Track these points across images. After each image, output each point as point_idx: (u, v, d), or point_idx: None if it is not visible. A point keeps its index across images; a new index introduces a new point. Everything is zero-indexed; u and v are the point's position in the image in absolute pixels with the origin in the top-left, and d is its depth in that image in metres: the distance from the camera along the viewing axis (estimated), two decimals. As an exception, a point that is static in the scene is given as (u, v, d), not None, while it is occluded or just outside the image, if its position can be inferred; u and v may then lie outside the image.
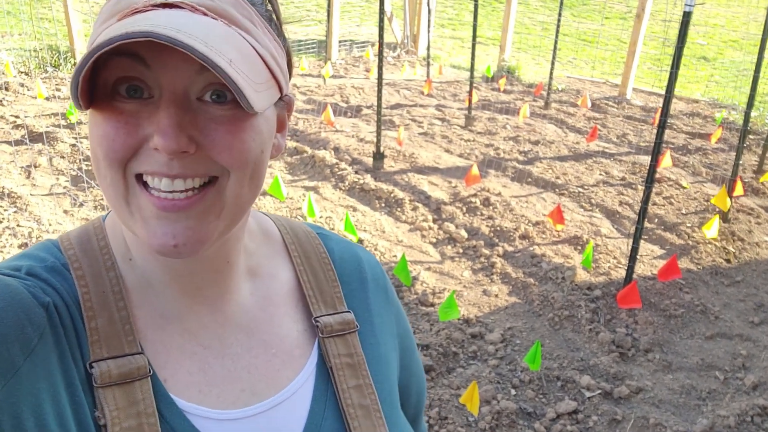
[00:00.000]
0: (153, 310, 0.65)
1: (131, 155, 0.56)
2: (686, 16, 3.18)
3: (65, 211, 4.29)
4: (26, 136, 5.27)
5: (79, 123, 5.68)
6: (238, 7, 0.58)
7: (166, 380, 0.63)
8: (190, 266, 0.65)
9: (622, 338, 3.35)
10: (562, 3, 7.10)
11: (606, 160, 5.83)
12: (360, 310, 0.77)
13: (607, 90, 8.57)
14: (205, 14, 0.56)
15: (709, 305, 3.73)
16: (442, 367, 3.10)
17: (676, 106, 7.89)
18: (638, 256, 3.73)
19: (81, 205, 4.38)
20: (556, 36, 7.21)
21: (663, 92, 7.74)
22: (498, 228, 4.42)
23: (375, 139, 5.31)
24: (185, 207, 0.56)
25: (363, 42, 10.07)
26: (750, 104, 4.65)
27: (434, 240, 4.32)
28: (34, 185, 4.60)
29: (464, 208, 4.70)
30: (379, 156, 5.30)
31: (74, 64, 7.35)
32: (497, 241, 4.29)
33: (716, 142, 6.46)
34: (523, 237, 4.32)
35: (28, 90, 6.54)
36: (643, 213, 3.54)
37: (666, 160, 5.32)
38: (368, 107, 7.00)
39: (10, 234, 3.87)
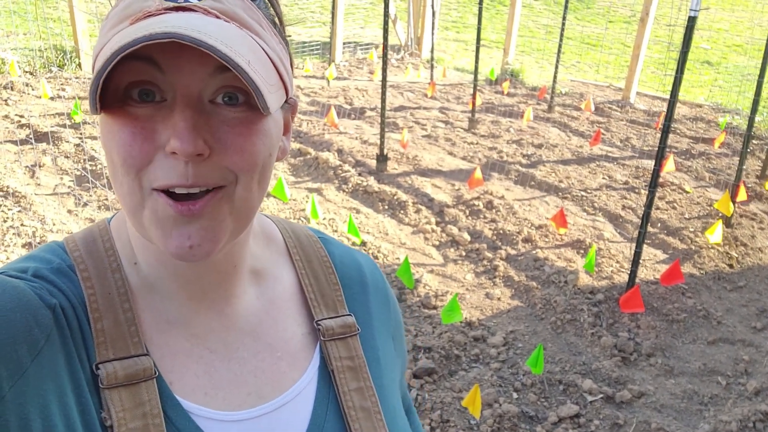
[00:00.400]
0: (158, 315, 0.65)
1: (147, 163, 0.56)
2: (691, 21, 3.18)
3: (69, 211, 4.30)
4: (31, 136, 5.29)
5: (84, 123, 5.70)
6: (247, 10, 0.59)
7: (172, 383, 0.63)
8: (198, 270, 0.66)
9: (624, 342, 3.35)
10: (566, 6, 7.11)
11: (609, 164, 5.83)
12: (360, 314, 0.77)
13: (611, 94, 8.57)
14: (218, 17, 0.57)
15: (712, 310, 3.73)
16: (444, 370, 3.11)
17: (679, 110, 7.89)
18: (641, 261, 3.73)
19: (85, 205, 4.39)
20: (560, 39, 7.21)
21: (666, 96, 7.73)
22: (501, 231, 4.43)
23: (378, 142, 5.32)
24: (198, 211, 0.57)
25: (367, 44, 10.08)
26: (754, 109, 4.65)
27: (437, 243, 4.32)
28: (39, 185, 4.62)
29: (467, 211, 4.71)
30: (382, 158, 5.31)
31: (79, 64, 7.37)
32: (500, 244, 4.30)
33: (719, 147, 6.46)
34: (526, 240, 4.33)
35: (33, 90, 6.56)
36: (646, 217, 3.54)
37: (669, 165, 5.32)
38: (372, 109, 7.01)
39: (14, 233, 3.89)
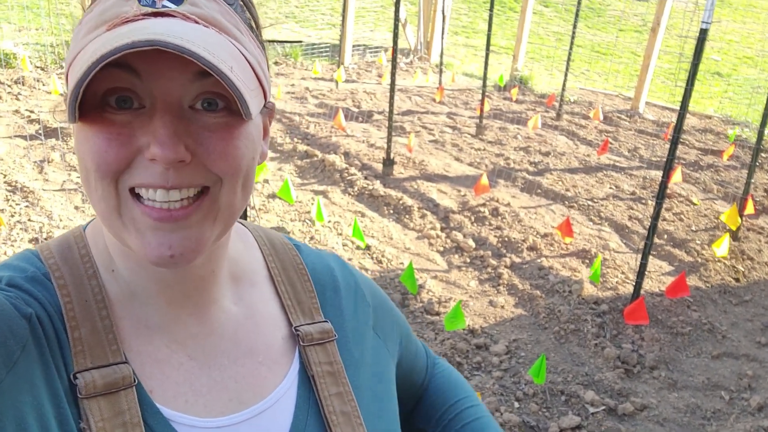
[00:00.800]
0: (137, 321, 0.64)
1: (124, 167, 0.55)
2: (702, 34, 3.17)
3: (76, 207, 4.31)
4: (40, 131, 5.31)
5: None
6: (225, 15, 0.59)
7: (152, 391, 0.62)
8: (179, 276, 0.65)
9: (627, 354, 3.33)
10: (577, 14, 7.10)
11: (616, 174, 5.81)
12: (335, 319, 0.77)
13: (620, 103, 8.55)
14: (197, 22, 0.56)
15: (717, 324, 3.71)
16: (445, 377, 3.10)
17: (688, 121, 7.87)
18: (646, 272, 3.71)
19: (91, 201, 4.41)
20: (570, 47, 7.20)
21: (676, 107, 7.70)
22: (506, 239, 4.41)
23: (385, 145, 5.32)
24: (181, 217, 0.56)
25: (376, 47, 10.09)
26: (764, 122, 4.63)
27: (441, 249, 4.32)
28: (47, 180, 4.63)
29: (472, 218, 4.70)
30: (388, 162, 5.30)
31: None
32: (505, 251, 4.29)
33: (728, 159, 6.43)
34: (531, 249, 4.31)
35: (44, 85, 6.60)
36: (652, 229, 3.53)
37: (677, 176, 5.30)
38: (379, 113, 7.01)
39: (21, 228, 3.90)
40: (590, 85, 9.59)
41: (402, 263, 4.04)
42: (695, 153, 6.70)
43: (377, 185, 5.03)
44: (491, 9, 6.20)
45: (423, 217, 4.64)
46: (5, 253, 3.64)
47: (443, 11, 8.47)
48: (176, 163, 0.54)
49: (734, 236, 4.62)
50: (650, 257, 3.87)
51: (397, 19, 5.05)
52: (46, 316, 0.59)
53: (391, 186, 5.10)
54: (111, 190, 0.56)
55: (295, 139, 5.97)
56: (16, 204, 4.18)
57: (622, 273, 4.12)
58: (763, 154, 6.51)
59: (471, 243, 4.32)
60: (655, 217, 3.51)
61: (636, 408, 3.00)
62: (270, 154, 5.68)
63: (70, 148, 5.15)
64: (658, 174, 5.73)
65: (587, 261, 4.23)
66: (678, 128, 3.36)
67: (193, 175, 0.56)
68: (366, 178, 5.20)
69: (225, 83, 0.51)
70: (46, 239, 3.80)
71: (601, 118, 7.43)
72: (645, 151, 6.54)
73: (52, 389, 0.57)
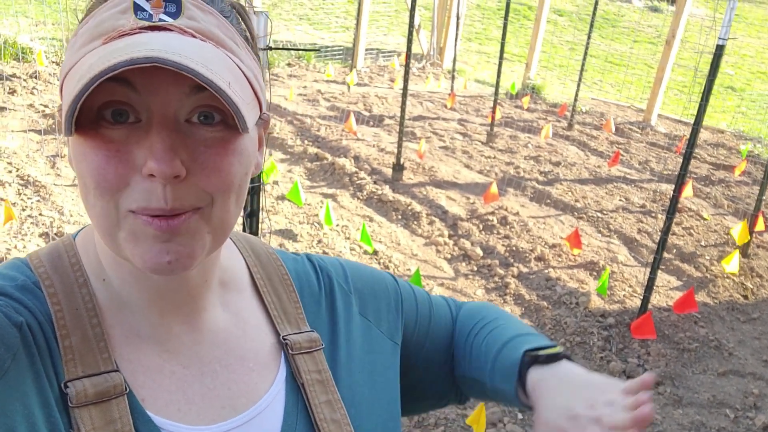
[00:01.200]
0: (129, 330, 0.64)
1: (123, 186, 0.55)
2: (719, 50, 3.16)
3: (86, 203, 4.34)
4: (54, 126, 5.35)
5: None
6: (222, 28, 0.59)
7: (144, 399, 0.62)
8: (171, 285, 0.65)
9: (633, 369, 3.31)
10: (592, 24, 7.09)
11: (627, 186, 5.79)
12: (319, 327, 0.77)
13: (632, 114, 8.53)
14: (194, 36, 0.56)
15: (724, 341, 3.69)
16: (449, 386, 3.09)
17: (701, 135, 7.83)
18: (654, 287, 3.70)
19: (102, 197, 4.43)
20: (584, 57, 7.19)
21: (688, 120, 7.67)
22: (514, 248, 4.41)
23: (396, 150, 5.32)
24: (176, 227, 0.57)
25: (389, 51, 10.11)
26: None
27: (449, 256, 4.31)
28: (59, 175, 4.66)
29: (481, 226, 4.69)
30: (398, 167, 5.31)
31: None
32: (512, 261, 4.28)
33: (740, 175, 6.40)
34: (539, 259, 4.30)
35: (59, 80, 6.64)
36: (662, 243, 3.51)
37: (687, 190, 5.27)
38: (391, 117, 7.02)
39: (32, 223, 3.93)
40: (603, 96, 9.57)
41: (409, 269, 4.04)
42: (707, 167, 6.67)
43: (386, 190, 5.03)
44: (506, 17, 6.20)
45: (431, 223, 4.63)
46: (16, 247, 3.66)
47: (457, 17, 8.48)
48: (172, 179, 0.55)
49: (744, 253, 4.59)
50: (659, 271, 3.85)
51: (411, 24, 5.06)
52: (36, 324, 0.59)
53: (400, 191, 5.11)
54: (110, 207, 0.56)
55: (306, 142, 5.98)
56: (28, 198, 4.22)
57: (630, 286, 4.10)
58: (775, 171, 6.47)
59: (479, 251, 4.31)
60: (665, 231, 3.49)
61: (640, 423, 2.98)
62: (280, 155, 5.70)
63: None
64: (668, 187, 5.71)
65: (595, 273, 4.21)
66: (691, 143, 3.34)
67: (187, 195, 0.56)
68: (375, 182, 5.20)
69: (223, 99, 0.51)
70: (56, 234, 3.82)
71: (613, 129, 7.40)
72: (656, 164, 6.52)
73: (43, 398, 0.56)
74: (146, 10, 0.55)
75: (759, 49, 13.40)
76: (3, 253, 3.56)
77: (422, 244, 4.43)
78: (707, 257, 4.59)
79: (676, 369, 3.42)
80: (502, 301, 3.86)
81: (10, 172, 4.55)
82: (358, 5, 8.39)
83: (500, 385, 0.81)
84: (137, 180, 0.55)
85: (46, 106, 5.83)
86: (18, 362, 0.56)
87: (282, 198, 4.77)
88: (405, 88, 5.12)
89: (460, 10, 8.72)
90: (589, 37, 7.11)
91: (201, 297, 0.68)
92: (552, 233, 4.70)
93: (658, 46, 12.06)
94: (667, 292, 4.11)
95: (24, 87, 6.22)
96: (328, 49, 9.73)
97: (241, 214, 2.55)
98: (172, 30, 0.55)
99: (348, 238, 4.32)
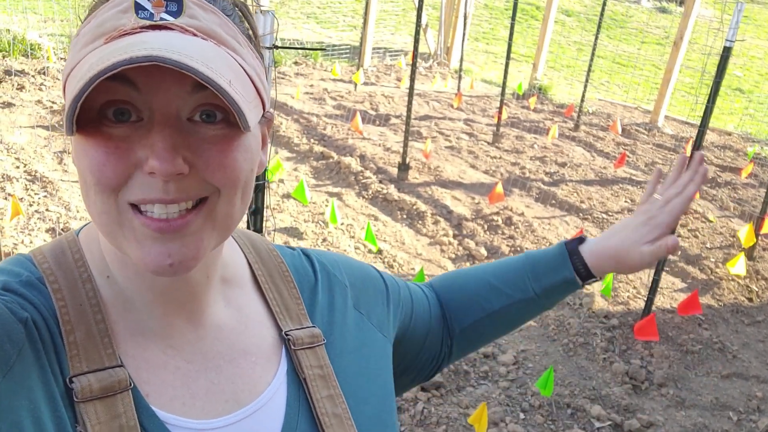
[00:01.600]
0: (132, 326, 0.65)
1: (123, 182, 0.55)
2: (726, 52, 3.15)
3: (93, 199, 4.37)
4: (62, 122, 5.38)
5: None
6: (224, 27, 0.59)
7: (149, 395, 0.63)
8: (175, 284, 0.65)
9: (636, 370, 3.31)
10: (599, 25, 7.07)
11: (632, 188, 5.78)
12: (319, 322, 0.78)
13: (639, 116, 8.50)
14: (195, 35, 0.56)
15: (728, 343, 3.68)
16: (452, 385, 3.10)
17: (708, 137, 7.80)
18: (659, 288, 3.69)
19: (109, 194, 4.46)
20: (591, 57, 7.17)
21: (695, 122, 7.64)
22: (518, 248, 4.41)
23: (401, 150, 5.33)
24: (180, 227, 0.57)
25: (396, 50, 10.11)
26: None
27: (453, 256, 4.32)
28: (66, 171, 4.69)
29: (485, 226, 4.69)
30: (404, 167, 5.31)
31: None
32: (517, 261, 4.28)
33: (746, 177, 6.37)
34: (543, 259, 4.30)
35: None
36: (666, 245, 3.50)
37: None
38: (397, 117, 7.02)
39: (38, 218, 3.96)
40: (610, 97, 9.54)
41: (413, 269, 4.04)
42: (713, 170, 6.64)
43: (392, 189, 5.04)
44: (513, 16, 6.20)
45: (436, 223, 4.64)
46: (23, 242, 3.69)
47: (464, 17, 8.47)
48: (175, 176, 0.55)
49: (750, 255, 4.58)
50: (663, 273, 3.84)
51: (418, 23, 5.06)
52: (41, 320, 0.60)
53: (406, 191, 5.11)
54: (111, 203, 0.56)
55: (312, 140, 6.00)
56: (35, 194, 4.24)
57: (634, 288, 4.09)
58: (782, 174, 6.44)
59: (483, 251, 4.31)
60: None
61: (642, 425, 2.98)
62: (286, 154, 5.71)
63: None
64: (674, 189, 5.68)
65: (599, 274, 4.20)
66: (697, 145, 3.34)
67: (191, 187, 0.57)
68: (381, 181, 5.21)
69: (223, 97, 0.51)
70: (63, 229, 3.85)
71: (619, 130, 7.38)
72: (663, 166, 6.50)
73: (49, 393, 0.57)
74: (147, 10, 0.56)
75: (767, 51, 13.33)
76: (10, 248, 3.59)
77: (427, 243, 4.43)
78: (712, 259, 4.58)
79: (680, 371, 3.41)
80: (506, 301, 3.86)
81: (18, 167, 4.58)
82: (365, 4, 8.39)
83: (554, 280, 0.96)
84: (138, 176, 0.55)
85: (54, 102, 5.86)
86: (23, 358, 0.56)
87: (287, 196, 4.79)
88: (411, 88, 5.12)
89: (468, 10, 8.71)
90: (596, 38, 7.10)
91: (203, 294, 0.69)
92: (557, 234, 4.69)
93: (666, 47, 12.01)
94: (671, 294, 4.10)
95: (32, 83, 6.25)
96: (335, 47, 9.74)
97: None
98: (173, 29, 0.56)
99: (353, 237, 4.33)
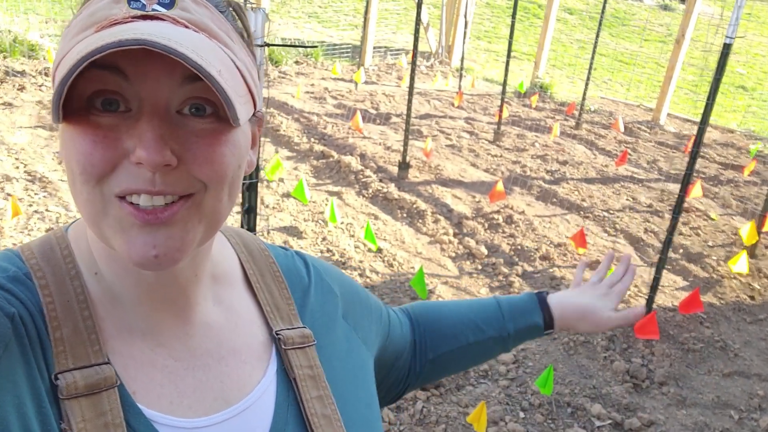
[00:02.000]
0: (120, 324, 0.64)
1: (110, 171, 0.55)
2: (726, 48, 3.13)
3: (93, 199, 4.37)
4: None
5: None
6: (216, 21, 0.59)
7: (136, 392, 0.62)
8: (162, 280, 0.65)
9: (637, 369, 3.29)
10: (601, 22, 7.05)
11: (634, 186, 5.75)
12: (309, 323, 0.78)
13: (641, 114, 8.47)
14: (187, 27, 0.56)
15: (730, 342, 3.66)
16: (451, 384, 3.09)
17: (710, 135, 7.77)
18: (660, 286, 3.67)
19: (108, 194, 4.46)
20: (593, 55, 7.15)
21: (698, 120, 7.62)
22: (519, 247, 4.39)
23: (402, 149, 5.32)
24: (166, 218, 0.56)
25: (397, 49, 10.10)
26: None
27: (453, 254, 4.30)
28: (65, 171, 4.69)
29: (486, 224, 4.68)
30: (404, 165, 5.30)
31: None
32: (517, 260, 4.26)
33: (749, 175, 6.34)
34: (544, 258, 4.29)
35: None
36: (667, 243, 3.49)
37: (696, 190, 5.23)
38: (397, 115, 7.01)
39: (38, 218, 3.96)
40: (611, 95, 9.52)
41: (413, 267, 4.03)
42: (716, 167, 6.61)
43: (392, 188, 5.03)
44: (514, 15, 6.18)
45: (436, 222, 4.63)
46: (22, 242, 3.69)
47: (466, 15, 8.45)
48: (162, 168, 0.54)
49: (752, 253, 4.55)
50: (664, 271, 3.83)
51: (419, 23, 5.05)
52: (28, 315, 0.59)
53: (406, 190, 5.10)
54: (96, 193, 0.56)
55: (312, 139, 5.99)
56: (35, 194, 4.25)
57: (635, 286, 4.07)
58: (785, 171, 6.41)
59: (483, 250, 4.30)
60: (671, 231, 3.47)
61: (643, 423, 2.96)
62: (286, 153, 5.71)
63: (90, 140, 5.22)
64: (676, 187, 5.67)
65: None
66: (698, 143, 3.32)
67: (178, 182, 0.56)
68: (381, 180, 5.20)
69: (212, 85, 0.51)
70: (62, 230, 3.85)
71: (621, 128, 7.36)
72: (664, 164, 6.47)
73: (34, 389, 0.56)
74: (140, 0, 0.56)
75: (771, 49, 13.27)
76: (9, 247, 3.59)
77: (427, 242, 4.42)
78: (714, 257, 4.56)
79: (681, 369, 3.39)
80: (506, 300, 3.85)
81: (18, 168, 4.58)
82: (366, 3, 8.38)
83: (526, 323, 1.05)
84: (124, 165, 0.55)
85: (54, 102, 5.86)
86: (10, 353, 0.56)
87: (287, 195, 4.78)
88: (411, 86, 5.11)
89: (469, 8, 8.69)
90: (598, 36, 7.07)
91: (192, 291, 0.68)
92: (557, 232, 4.68)
93: (668, 44, 11.97)
94: (672, 292, 4.08)
95: (33, 84, 6.26)
96: (336, 46, 9.73)
97: (239, 210, 2.56)
98: (164, 20, 0.55)
99: (353, 236, 4.32)
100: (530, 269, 4.16)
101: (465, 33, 8.46)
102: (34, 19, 8.33)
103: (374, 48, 9.29)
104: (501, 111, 6.51)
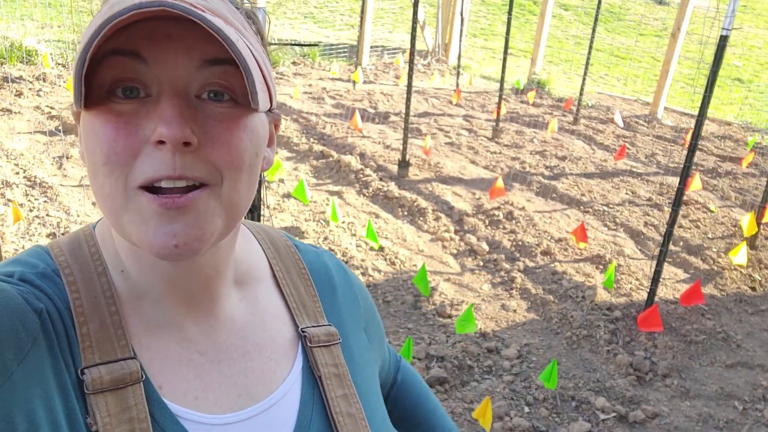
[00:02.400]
0: (147, 319, 0.65)
1: (132, 160, 0.55)
2: (722, 40, 3.14)
3: (93, 203, 4.37)
4: (60, 128, 5.39)
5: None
6: (233, 14, 0.60)
7: (161, 387, 0.63)
8: (186, 274, 0.65)
9: (640, 361, 3.31)
10: (596, 18, 7.05)
11: (633, 180, 5.77)
12: (334, 321, 0.78)
13: (638, 108, 8.48)
14: (204, 12, 0.57)
15: (732, 333, 3.67)
16: (456, 380, 3.10)
17: (707, 127, 7.78)
18: (661, 279, 3.68)
19: (109, 197, 4.46)
20: (589, 51, 7.16)
21: (695, 113, 7.63)
22: (520, 242, 4.40)
23: (401, 147, 5.32)
24: (185, 204, 0.56)
25: (394, 48, 10.10)
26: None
27: (455, 251, 4.31)
28: (65, 176, 4.70)
29: (487, 221, 4.69)
30: (404, 164, 5.31)
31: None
32: (518, 255, 4.27)
33: (747, 167, 6.36)
34: (545, 253, 4.30)
35: (65, 82, 6.68)
36: (668, 236, 3.50)
37: (695, 183, 5.25)
38: (396, 114, 7.02)
39: (39, 223, 3.96)
40: (609, 90, 9.53)
41: (415, 265, 4.04)
42: (714, 160, 6.63)
43: (392, 187, 5.04)
44: (510, 12, 6.19)
45: (437, 219, 4.64)
46: (23, 247, 3.69)
47: (462, 13, 8.46)
48: (182, 147, 0.55)
49: (752, 245, 4.57)
50: (665, 264, 3.84)
51: (415, 20, 5.05)
52: (55, 311, 0.60)
53: (406, 188, 5.11)
54: (119, 186, 0.56)
55: (312, 140, 5.99)
56: (35, 199, 4.25)
57: (637, 279, 4.09)
58: (783, 162, 6.43)
59: (485, 246, 4.31)
60: (671, 224, 3.48)
61: (647, 416, 2.97)
62: (286, 153, 5.71)
63: (89, 144, 5.22)
64: (675, 180, 5.68)
65: (601, 267, 4.20)
66: (696, 135, 3.33)
67: (196, 165, 0.56)
68: (381, 179, 5.21)
69: (232, 51, 0.52)
70: (63, 234, 3.85)
71: (620, 123, 7.37)
72: (663, 157, 6.49)
73: (61, 383, 0.57)
74: None
75: (767, 40, 13.29)
76: (11, 253, 3.60)
77: (428, 239, 4.43)
78: (714, 249, 4.57)
79: (684, 361, 3.40)
80: (509, 296, 3.86)
81: (17, 173, 4.58)
82: (362, 3, 8.38)
83: None
84: (146, 151, 0.55)
85: (52, 107, 5.87)
86: (38, 348, 0.56)
87: (288, 196, 4.79)
88: (409, 85, 5.12)
89: (465, 6, 8.70)
90: (593, 31, 7.08)
91: (216, 287, 0.68)
92: (558, 227, 4.69)
93: (664, 38, 11.98)
94: (673, 284, 4.10)
95: (30, 89, 6.26)
96: (333, 46, 9.73)
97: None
98: (182, 3, 0.56)
99: (354, 235, 4.33)
100: (532, 264, 4.17)
101: (461, 31, 8.46)
102: (30, 24, 8.33)
103: (371, 47, 9.29)
104: (499, 108, 6.52)
